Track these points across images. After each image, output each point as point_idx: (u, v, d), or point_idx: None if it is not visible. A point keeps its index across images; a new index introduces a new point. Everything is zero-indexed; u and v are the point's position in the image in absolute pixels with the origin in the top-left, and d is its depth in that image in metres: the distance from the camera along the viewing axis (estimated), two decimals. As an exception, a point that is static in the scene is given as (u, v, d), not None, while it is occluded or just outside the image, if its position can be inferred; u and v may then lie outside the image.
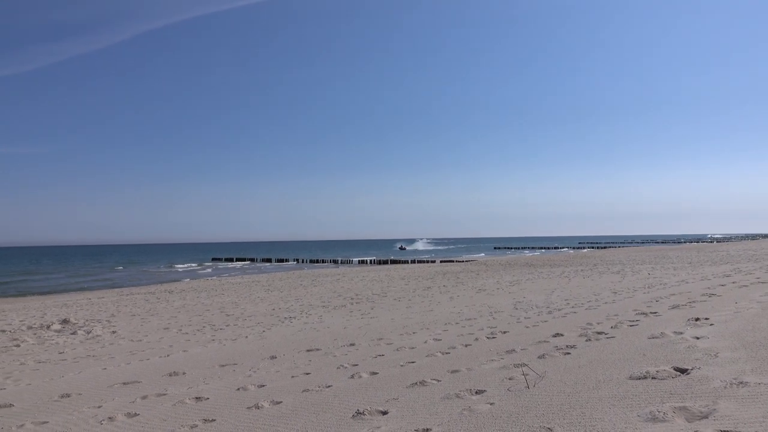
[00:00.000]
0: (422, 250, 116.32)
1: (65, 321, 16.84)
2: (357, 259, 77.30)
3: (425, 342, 8.61)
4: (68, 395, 6.82)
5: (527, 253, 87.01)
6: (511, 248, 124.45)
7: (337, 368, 6.81)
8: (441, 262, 59.51)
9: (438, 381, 5.06)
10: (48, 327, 15.85)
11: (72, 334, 14.40)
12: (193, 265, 76.41)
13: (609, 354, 5.08)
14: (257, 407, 4.93)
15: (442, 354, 6.99)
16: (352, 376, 6.00)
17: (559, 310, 11.68)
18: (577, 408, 3.41)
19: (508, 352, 6.36)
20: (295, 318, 15.12)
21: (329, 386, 5.57)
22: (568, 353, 5.52)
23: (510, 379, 4.64)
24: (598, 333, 6.74)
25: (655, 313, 8.31)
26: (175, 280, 45.01)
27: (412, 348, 8.01)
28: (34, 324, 16.72)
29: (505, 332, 8.65)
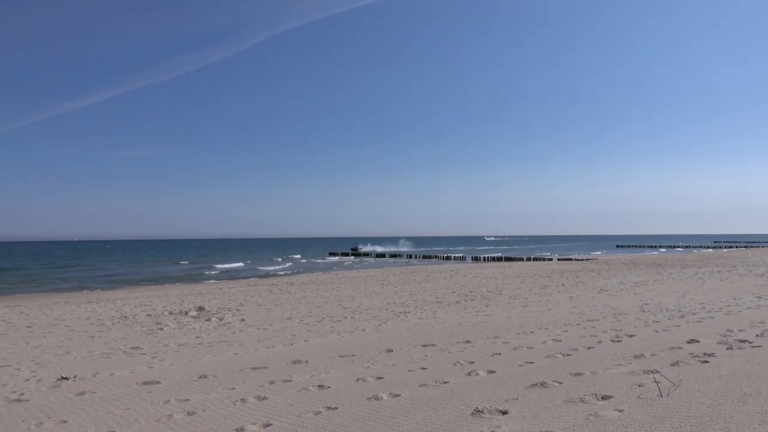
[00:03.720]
0: (377, 252, 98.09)
1: (200, 308, 18.34)
2: (471, 255, 76.66)
3: (544, 342, 8.35)
4: (205, 376, 7.43)
5: (653, 252, 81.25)
6: (636, 246, 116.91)
7: (454, 364, 6.80)
8: (558, 260, 57.34)
9: (559, 383, 4.90)
10: (186, 313, 17.36)
11: (206, 320, 15.64)
12: (312, 259, 79.86)
13: (755, 365, 4.62)
14: (376, 398, 5.06)
15: (563, 355, 6.74)
16: (469, 374, 5.97)
17: (693, 314, 10.80)
18: (720, 422, 3.14)
19: (636, 357, 6.00)
20: (409, 313, 15.30)
21: (446, 382, 5.59)
22: (706, 362, 5.10)
23: (639, 385, 4.37)
24: (741, 341, 6.16)
25: (811, 321, 7.42)
26: (295, 273, 47.36)
27: (530, 348, 7.80)
28: (174, 310, 18.38)
29: (631, 336, 8.16)
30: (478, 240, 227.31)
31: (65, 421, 5.32)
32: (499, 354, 7.46)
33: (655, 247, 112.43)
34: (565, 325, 10.68)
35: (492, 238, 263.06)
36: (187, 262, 70.98)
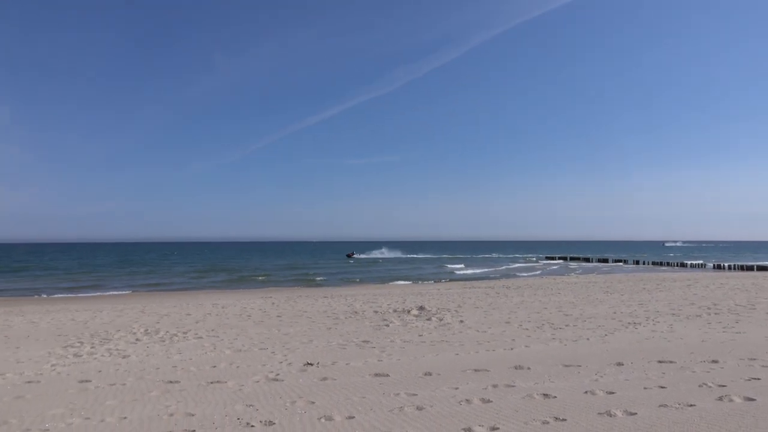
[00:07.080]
0: (369, 258, 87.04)
1: (421, 308, 19.18)
2: (712, 263, 67.52)
3: (819, 370, 6.97)
4: (429, 374, 7.75)
5: None
6: None
7: (699, 386, 6.06)
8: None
9: None
10: (408, 312, 18.31)
11: (427, 320, 16.30)
12: (527, 262, 78.00)
13: None
14: (609, 415, 4.75)
15: None
16: (720, 398, 5.26)
17: None
18: None
19: None
20: (640, 324, 14.02)
21: (692, 405, 5.00)
22: None
23: None
24: None
25: None
26: (509, 276, 46.77)
27: (801, 375, 6.58)
28: (398, 308, 19.52)
29: None
30: (656, 246, 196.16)
31: (313, 402, 6.01)
32: (758, 379, 6.43)
33: None
34: None
35: (674, 244, 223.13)
36: (462, 265, 69.32)
